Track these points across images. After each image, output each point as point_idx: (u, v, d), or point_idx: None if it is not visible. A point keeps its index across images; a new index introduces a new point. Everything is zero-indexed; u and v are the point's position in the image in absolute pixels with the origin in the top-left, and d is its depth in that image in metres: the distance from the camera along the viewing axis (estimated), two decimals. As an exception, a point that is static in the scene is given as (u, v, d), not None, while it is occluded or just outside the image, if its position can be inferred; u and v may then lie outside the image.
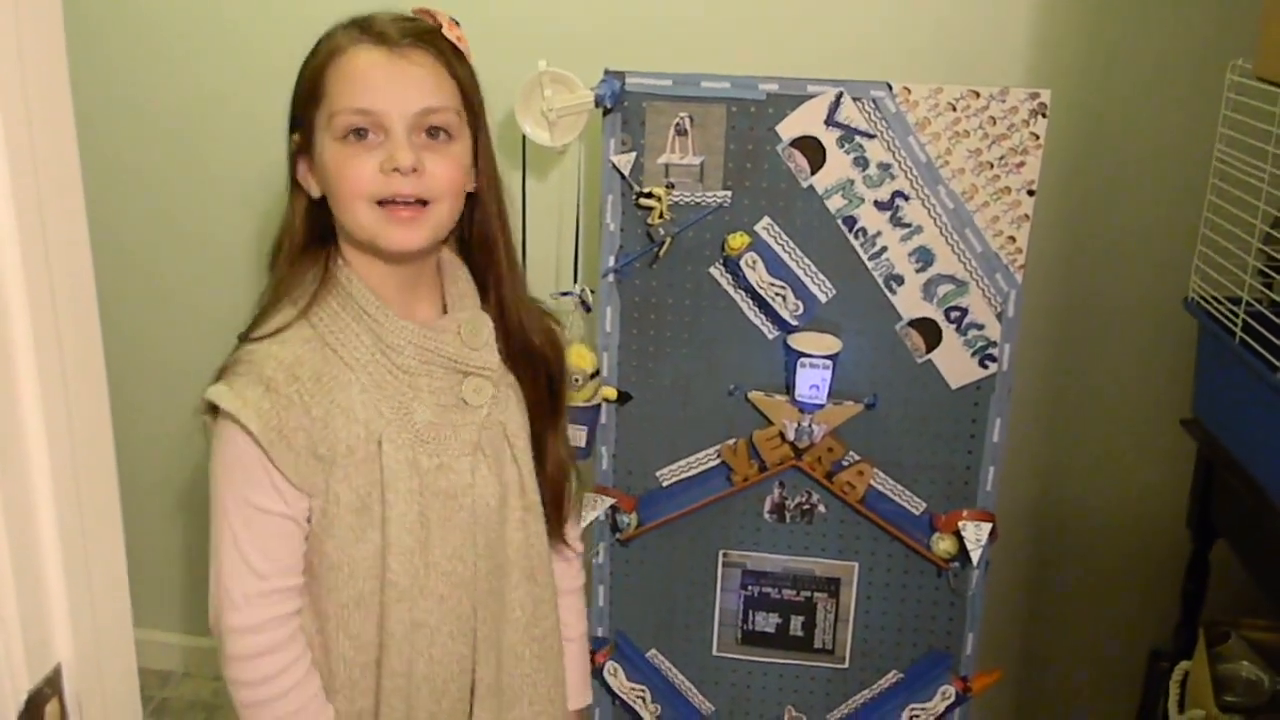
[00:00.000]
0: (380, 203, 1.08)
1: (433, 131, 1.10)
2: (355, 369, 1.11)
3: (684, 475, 1.65)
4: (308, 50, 1.13)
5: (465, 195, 1.16)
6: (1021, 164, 1.49)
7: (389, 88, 1.08)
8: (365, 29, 1.10)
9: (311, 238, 1.15)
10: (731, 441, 1.61)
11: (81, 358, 0.63)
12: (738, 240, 1.53)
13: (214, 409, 1.08)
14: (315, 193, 1.13)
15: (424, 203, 1.10)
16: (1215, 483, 1.56)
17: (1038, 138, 1.48)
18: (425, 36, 1.11)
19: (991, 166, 1.50)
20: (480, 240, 1.21)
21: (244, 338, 1.12)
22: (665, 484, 1.66)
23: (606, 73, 1.52)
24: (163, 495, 2.14)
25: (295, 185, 1.16)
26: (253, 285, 1.19)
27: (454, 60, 1.13)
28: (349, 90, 1.08)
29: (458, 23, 1.16)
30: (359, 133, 1.08)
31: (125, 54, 1.91)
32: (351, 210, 1.09)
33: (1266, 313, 1.38)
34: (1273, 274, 1.42)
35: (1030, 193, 1.50)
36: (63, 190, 0.61)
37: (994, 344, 1.55)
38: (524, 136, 1.61)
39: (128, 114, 1.94)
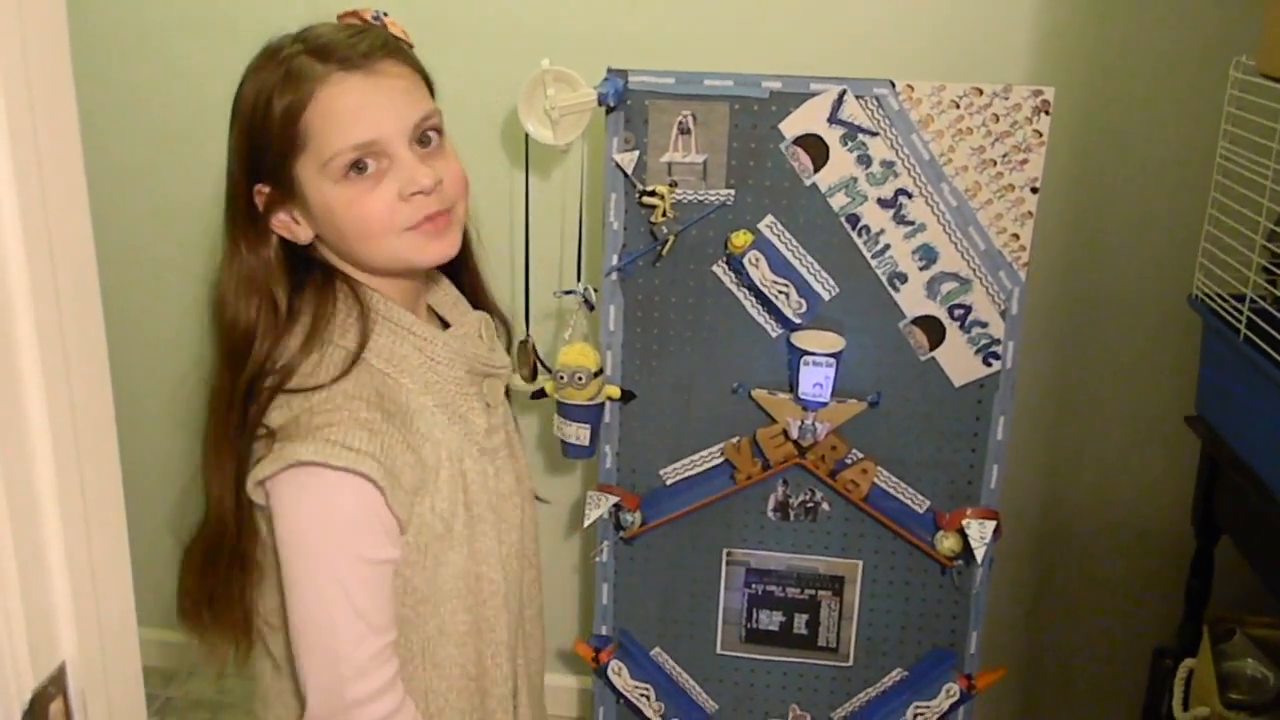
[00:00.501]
0: (410, 227, 1.02)
1: (424, 138, 1.03)
2: (426, 391, 1.06)
3: (688, 473, 1.65)
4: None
5: None
6: (1025, 161, 1.49)
7: (382, 112, 1.00)
8: (324, 56, 1.00)
9: (293, 278, 1.06)
10: (735, 440, 1.61)
11: (85, 354, 0.63)
12: (741, 238, 1.53)
13: (285, 469, 0.97)
14: (304, 239, 1.05)
15: (449, 210, 1.05)
16: (1219, 480, 1.56)
17: (1041, 135, 1.48)
18: (387, 44, 1.03)
19: (995, 164, 1.49)
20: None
21: (293, 390, 1.01)
22: (669, 482, 1.66)
23: (609, 71, 1.52)
24: (166, 493, 2.14)
25: (257, 235, 1.04)
26: None
27: (412, 56, 1.07)
28: (340, 128, 0.99)
29: (386, 13, 1.09)
30: (358, 166, 1.00)
31: (128, 50, 1.91)
32: (378, 244, 1.02)
33: (1271, 309, 1.37)
34: (1277, 271, 1.42)
35: (1034, 190, 1.50)
36: (68, 187, 0.61)
37: (998, 342, 1.55)
38: (527, 135, 1.61)
39: (131, 111, 1.94)
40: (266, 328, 1.04)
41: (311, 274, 1.07)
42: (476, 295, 1.20)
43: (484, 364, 1.12)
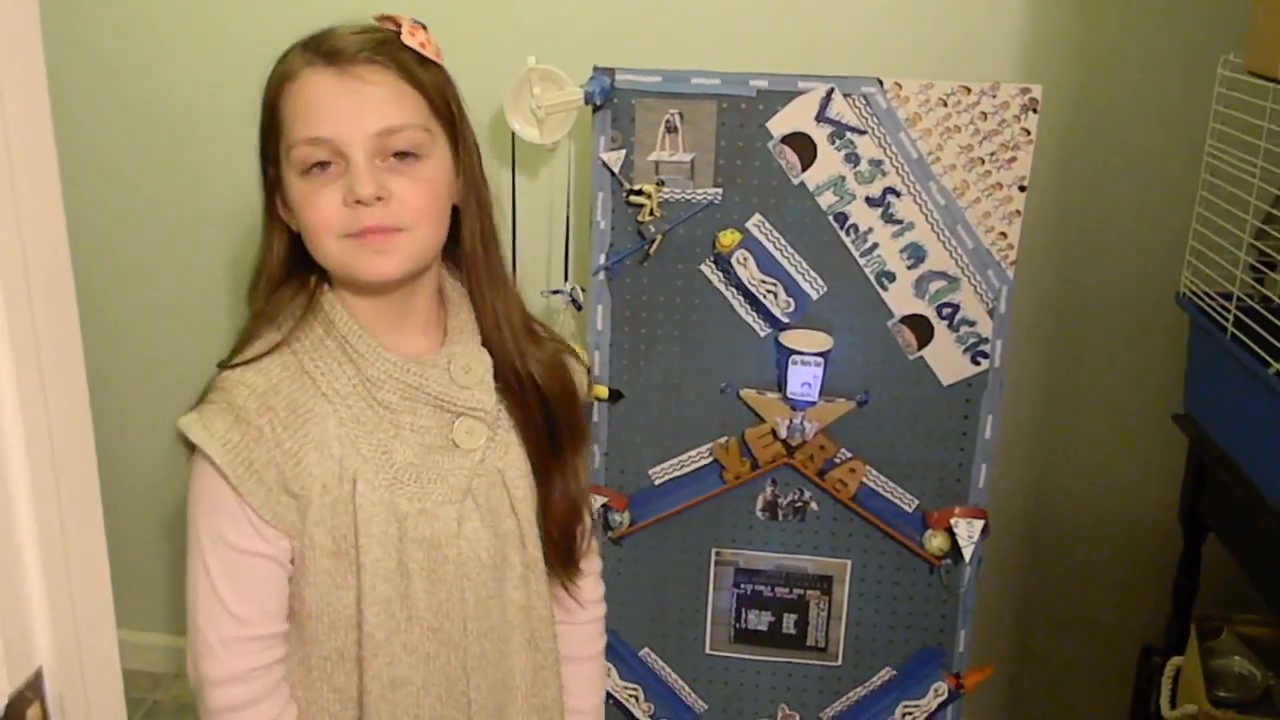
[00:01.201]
0: (349, 235, 1.00)
1: (400, 154, 1.01)
2: (334, 400, 1.03)
3: (676, 473, 1.65)
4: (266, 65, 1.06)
5: (451, 212, 1.08)
6: (1013, 159, 1.49)
7: (340, 112, 0.99)
8: (318, 49, 1.01)
9: (291, 270, 1.08)
10: (724, 439, 1.61)
11: (60, 357, 0.62)
12: (729, 237, 1.52)
13: (188, 440, 1.01)
14: (294, 227, 1.05)
15: (397, 229, 1.01)
16: (1206, 478, 1.56)
17: (1029, 133, 1.48)
18: (381, 49, 1.01)
19: (983, 162, 1.49)
20: (462, 258, 1.12)
21: (223, 365, 1.05)
22: (657, 482, 1.65)
23: (596, 69, 1.51)
24: (148, 495, 2.13)
25: (272, 219, 1.07)
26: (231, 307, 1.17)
27: (418, 71, 1.03)
28: (301, 120, 1.00)
29: (423, 25, 1.06)
30: (321, 165, 1.00)
31: (112, 52, 1.90)
32: (321, 246, 1.02)
33: (1258, 308, 1.38)
34: (1264, 269, 1.42)
35: (1022, 188, 1.50)
36: (40, 192, 0.60)
37: (986, 340, 1.55)
38: (513, 134, 1.61)
39: (115, 113, 1.93)
40: (256, 304, 1.08)
41: (309, 270, 1.08)
42: (483, 330, 1.12)
43: (438, 398, 1.06)
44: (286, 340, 1.05)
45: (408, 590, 1.05)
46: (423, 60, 1.04)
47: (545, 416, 1.14)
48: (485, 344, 1.11)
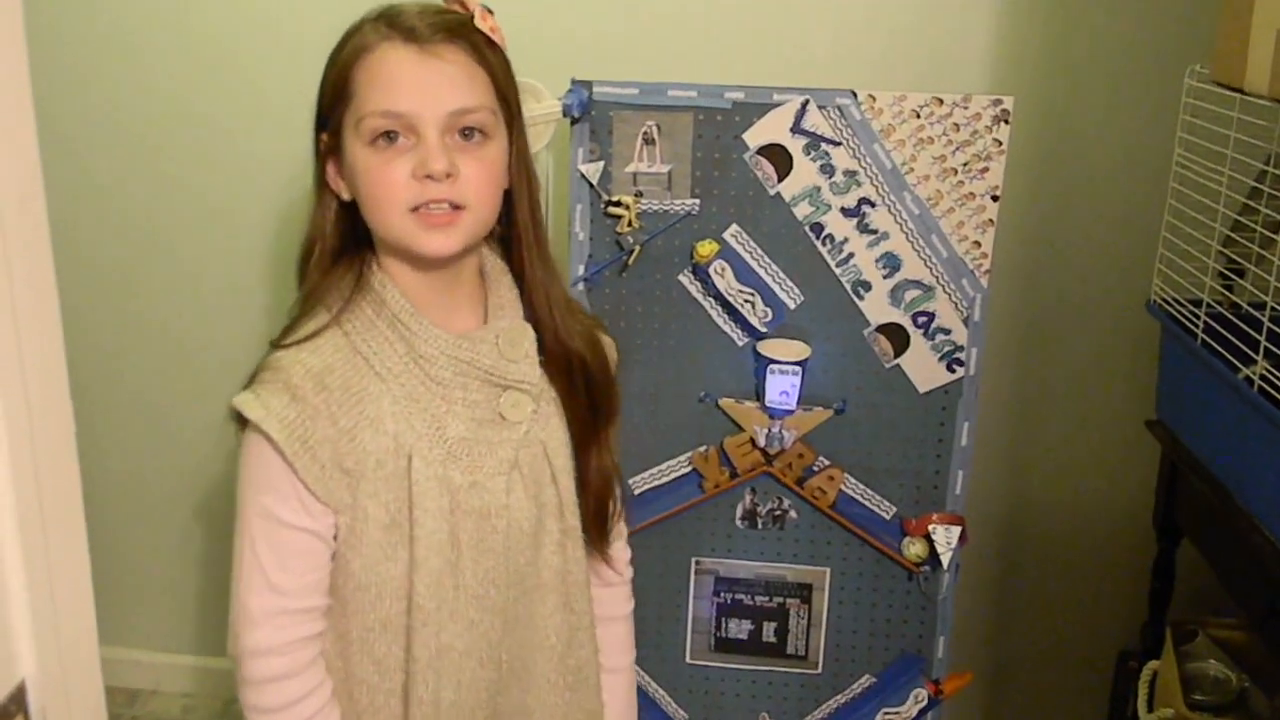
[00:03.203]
0: (414, 209, 1.04)
1: (467, 132, 1.05)
2: (387, 379, 1.06)
3: (655, 483, 1.65)
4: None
5: (504, 195, 1.12)
6: (985, 170, 1.51)
7: (420, 89, 1.03)
8: (393, 24, 1.04)
9: (343, 242, 1.11)
10: (703, 449, 1.62)
11: (43, 369, 0.62)
12: (706, 248, 1.53)
13: (241, 417, 1.04)
14: (345, 196, 1.09)
15: (459, 207, 1.05)
16: (1179, 483, 1.58)
17: (1001, 144, 1.50)
18: (457, 31, 1.06)
19: (956, 173, 1.51)
20: (514, 239, 1.16)
21: (275, 344, 1.07)
22: (637, 492, 1.66)
23: (573, 82, 1.52)
24: (130, 510, 2.12)
25: (323, 187, 1.11)
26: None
27: (488, 54, 1.08)
28: (377, 92, 1.03)
29: (491, 11, 1.10)
30: (389, 136, 1.03)
31: (98, 58, 1.89)
32: (384, 217, 1.05)
33: (1227, 314, 1.40)
34: (1233, 276, 1.44)
35: (994, 198, 1.52)
36: (24, 197, 0.60)
37: (961, 348, 1.56)
38: (491, 146, 1.61)
39: (94, 118, 1.92)
40: (310, 280, 1.11)
41: (359, 243, 1.11)
42: (532, 308, 1.16)
43: (488, 373, 1.09)
44: (337, 320, 1.07)
45: (458, 560, 1.08)
46: (491, 45, 1.09)
47: (586, 389, 1.19)
48: (533, 319, 1.15)
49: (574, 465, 1.19)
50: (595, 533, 1.23)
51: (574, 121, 1.53)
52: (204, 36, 1.83)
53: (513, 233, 1.15)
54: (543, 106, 1.56)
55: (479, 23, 1.08)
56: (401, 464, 1.06)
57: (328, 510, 1.05)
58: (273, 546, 1.05)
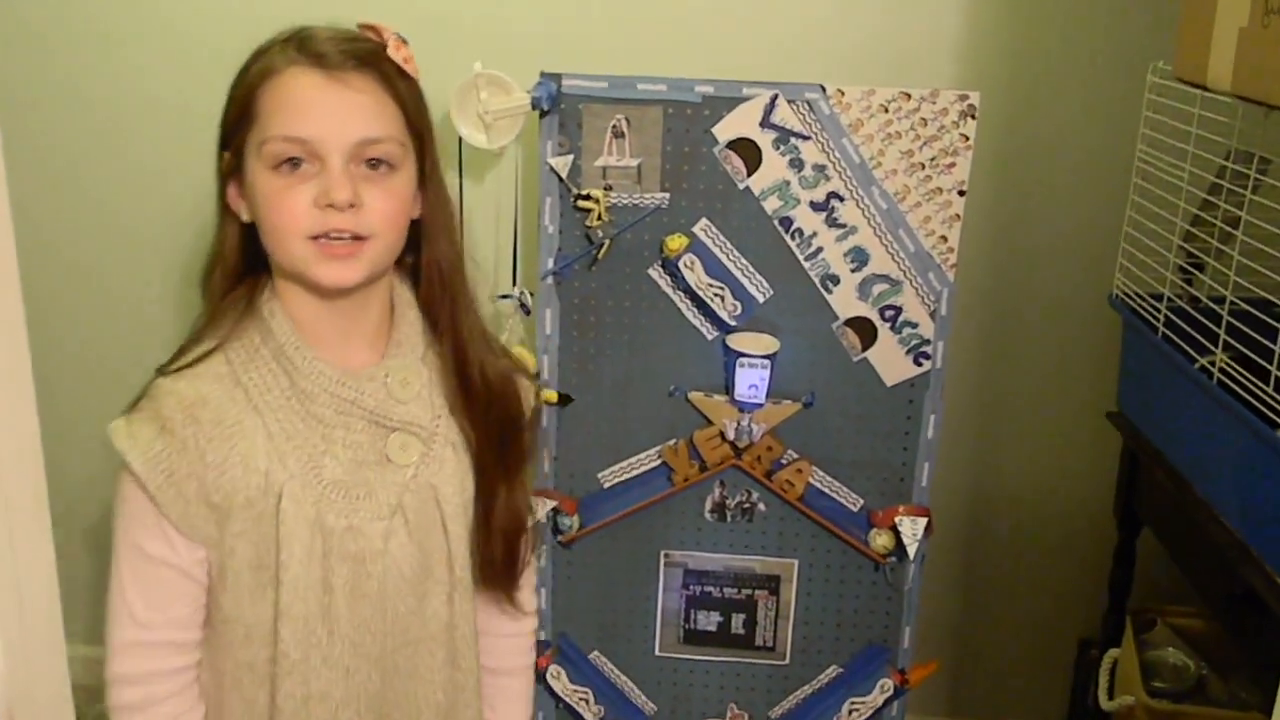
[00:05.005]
0: (314, 237, 1.01)
1: (373, 163, 1.03)
2: (265, 413, 1.03)
3: (625, 476, 1.65)
4: (227, 65, 1.06)
5: (409, 226, 1.09)
6: (952, 165, 1.52)
7: (326, 116, 1.00)
8: (303, 47, 1.02)
9: (245, 264, 1.08)
10: (672, 442, 1.62)
11: (7, 368, 0.61)
12: (676, 242, 1.53)
13: None
14: (245, 217, 1.06)
15: (361, 238, 1.02)
16: (1140, 474, 1.60)
17: (968, 139, 1.51)
18: (368, 59, 1.03)
19: (923, 167, 1.52)
20: (428, 274, 1.12)
21: (160, 370, 1.05)
22: (606, 485, 1.66)
23: (542, 75, 1.52)
24: (95, 509, 2.09)
25: (226, 208, 1.08)
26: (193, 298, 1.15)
27: (399, 84, 1.05)
28: (282, 117, 1.00)
29: (405, 40, 1.08)
30: (293, 162, 1.00)
31: (61, 48, 1.85)
32: (283, 244, 1.02)
33: (1187, 308, 1.42)
34: (1193, 270, 1.46)
35: (961, 193, 1.53)
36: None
37: (928, 342, 1.58)
38: (460, 139, 1.60)
39: (64, 110, 1.89)
40: (211, 301, 1.09)
41: (260, 267, 1.08)
42: (440, 344, 1.13)
43: (372, 412, 1.06)
44: (222, 347, 1.05)
45: (330, 605, 1.05)
46: (403, 75, 1.06)
47: (498, 427, 1.15)
48: (454, 358, 1.12)
49: (479, 507, 1.14)
50: (503, 576, 1.19)
51: (543, 114, 1.53)
52: (174, 25, 1.81)
53: (425, 266, 1.12)
54: (511, 99, 1.55)
55: (392, 52, 1.06)
56: (271, 503, 1.02)
57: (194, 545, 1.03)
58: (138, 579, 1.04)
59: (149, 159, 1.89)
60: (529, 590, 1.28)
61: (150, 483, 1.00)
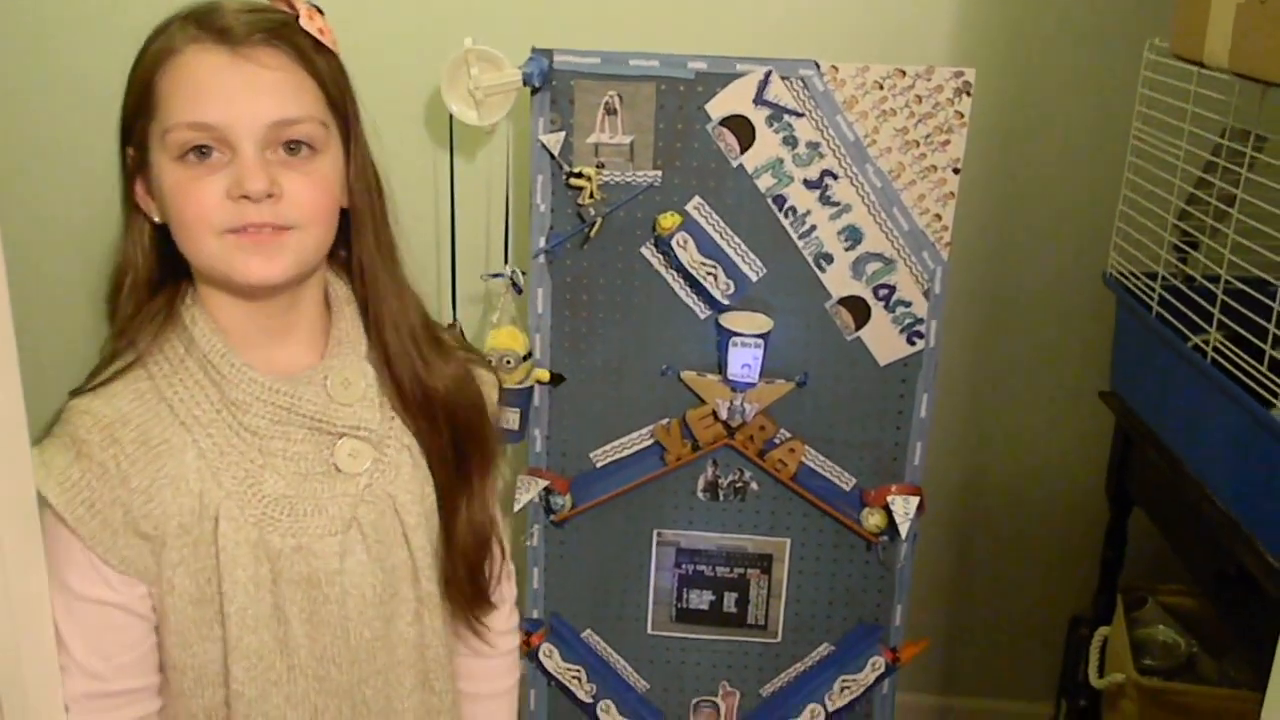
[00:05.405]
0: (231, 231, 0.91)
1: (292, 146, 0.92)
2: (193, 429, 0.93)
3: (617, 456, 1.65)
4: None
5: (340, 214, 0.98)
6: (947, 142, 1.51)
7: (233, 98, 0.90)
8: (203, 23, 0.91)
9: (160, 269, 0.97)
10: (665, 421, 1.62)
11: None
12: (669, 220, 1.52)
13: None
14: (156, 218, 0.95)
15: (283, 229, 0.92)
16: (1132, 453, 1.60)
17: (962, 116, 1.50)
18: (279, 32, 0.92)
19: (918, 145, 1.51)
20: (357, 266, 1.01)
21: (75, 391, 0.95)
22: (599, 465, 1.65)
23: (534, 51, 1.50)
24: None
25: (133, 208, 0.97)
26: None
27: (315, 59, 0.94)
28: (184, 102, 0.90)
29: (320, 10, 0.97)
30: (200, 151, 0.90)
31: (59, 42, 1.82)
32: (197, 242, 0.91)
33: (1181, 286, 1.42)
34: (1187, 249, 1.46)
35: (955, 171, 1.52)
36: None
37: (921, 321, 1.57)
38: (451, 116, 1.59)
39: (60, 95, 1.86)
40: (122, 315, 0.98)
41: (178, 271, 0.98)
42: (381, 342, 1.02)
43: (314, 419, 0.96)
44: (142, 360, 0.95)
45: (286, 637, 0.96)
46: (320, 48, 0.96)
47: (451, 434, 1.04)
48: (385, 358, 1.02)
49: (439, 521, 1.04)
50: (466, 599, 1.08)
51: (534, 91, 1.51)
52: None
53: (351, 256, 1.02)
54: (502, 75, 1.54)
55: (305, 23, 0.94)
56: (208, 527, 0.93)
57: (130, 580, 0.93)
58: (78, 625, 0.92)
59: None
60: (505, 610, 1.17)
61: (69, 514, 0.89)
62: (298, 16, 0.95)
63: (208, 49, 0.90)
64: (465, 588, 1.07)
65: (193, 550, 0.93)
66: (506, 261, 1.65)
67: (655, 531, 1.68)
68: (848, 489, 1.65)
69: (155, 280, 0.98)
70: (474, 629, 1.11)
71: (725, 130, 1.51)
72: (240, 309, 0.97)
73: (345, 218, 1.00)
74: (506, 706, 1.21)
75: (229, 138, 0.90)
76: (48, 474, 0.89)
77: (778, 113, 1.50)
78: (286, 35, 0.93)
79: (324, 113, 0.95)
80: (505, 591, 1.16)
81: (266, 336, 0.98)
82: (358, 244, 1.01)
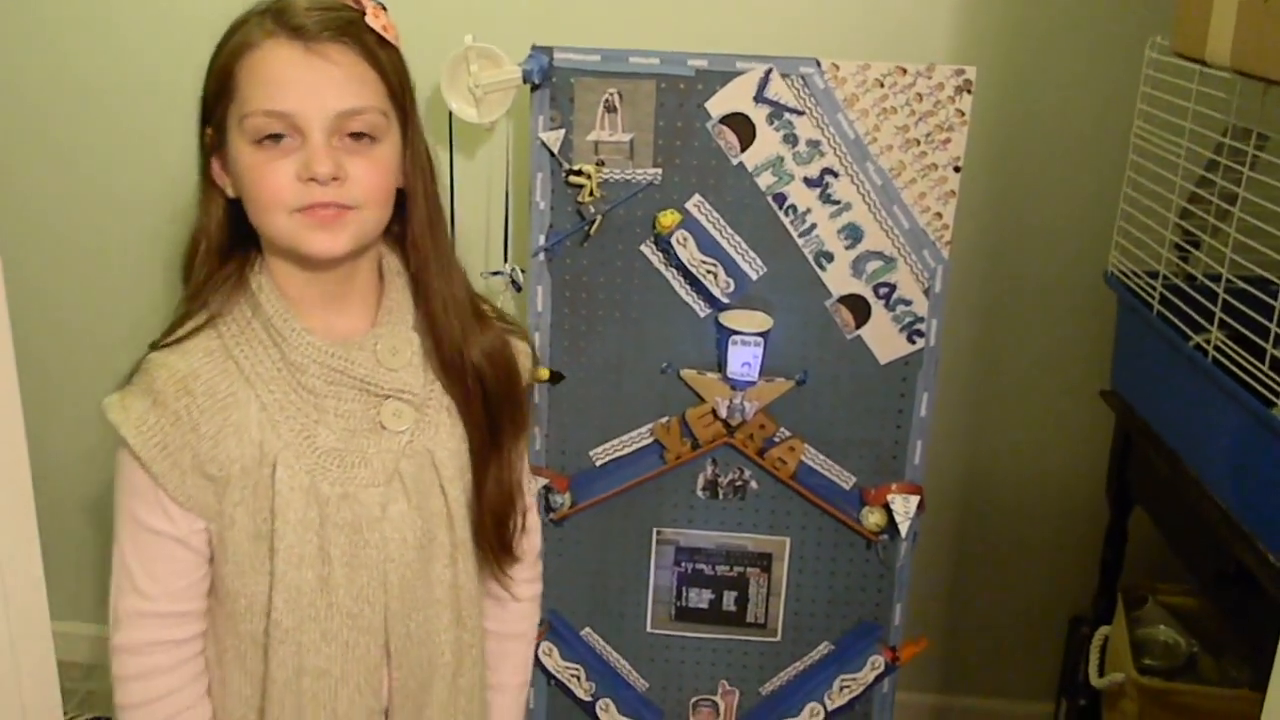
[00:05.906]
0: (299, 209, 1.02)
1: (355, 134, 1.03)
2: (256, 385, 1.05)
3: (617, 454, 1.65)
4: (211, 39, 1.04)
5: (396, 195, 1.09)
6: (948, 140, 1.51)
7: (305, 89, 1.00)
8: (279, 19, 1.01)
9: (232, 238, 1.08)
10: (664, 420, 1.61)
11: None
12: (668, 218, 1.52)
13: None
14: (230, 193, 1.06)
15: (346, 208, 1.03)
16: (1133, 452, 1.60)
17: (963, 114, 1.50)
18: (347, 29, 1.02)
19: (919, 143, 1.51)
20: (410, 241, 1.12)
21: (154, 345, 1.07)
22: (598, 463, 1.65)
23: (534, 48, 1.50)
24: (81, 485, 2.08)
25: (209, 183, 1.08)
26: (165, 287, 1.14)
27: (379, 54, 1.05)
28: (261, 91, 1.00)
29: (384, 7, 1.08)
30: (274, 137, 1.00)
31: (53, 22, 1.83)
32: (268, 218, 1.03)
33: (1183, 285, 1.41)
34: (1188, 248, 1.46)
35: (956, 169, 1.52)
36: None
37: (922, 320, 1.57)
38: (450, 113, 1.59)
39: (57, 85, 1.86)
40: (196, 279, 1.08)
41: (247, 240, 1.08)
42: (428, 313, 1.13)
43: (363, 381, 1.07)
44: (213, 321, 1.06)
45: (329, 576, 1.06)
46: (383, 43, 1.06)
47: (485, 402, 1.15)
48: (430, 328, 1.12)
49: (473, 478, 1.16)
50: (492, 551, 1.19)
51: (534, 88, 1.51)
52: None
53: (407, 235, 1.12)
54: (502, 73, 1.54)
55: (371, 20, 1.05)
56: (266, 473, 1.04)
57: (192, 516, 1.05)
58: (138, 550, 1.06)
59: (139, 135, 1.87)
60: (529, 560, 1.29)
61: (145, 455, 1.01)
62: (364, 14, 1.05)
63: (283, 44, 1.00)
64: (491, 539, 1.18)
65: (252, 491, 1.04)
66: (506, 259, 1.65)
67: (655, 530, 1.68)
68: (848, 488, 1.65)
69: (226, 248, 1.08)
70: (498, 578, 1.23)
71: (725, 128, 1.51)
72: (303, 278, 1.07)
73: (401, 197, 1.10)
74: (525, 646, 1.33)
75: (300, 125, 1.00)
76: (126, 417, 1.02)
77: (778, 110, 1.50)
78: (353, 32, 1.03)
79: (385, 103, 1.05)
80: (527, 545, 1.27)
81: (325, 303, 1.09)
82: (411, 221, 1.11)
